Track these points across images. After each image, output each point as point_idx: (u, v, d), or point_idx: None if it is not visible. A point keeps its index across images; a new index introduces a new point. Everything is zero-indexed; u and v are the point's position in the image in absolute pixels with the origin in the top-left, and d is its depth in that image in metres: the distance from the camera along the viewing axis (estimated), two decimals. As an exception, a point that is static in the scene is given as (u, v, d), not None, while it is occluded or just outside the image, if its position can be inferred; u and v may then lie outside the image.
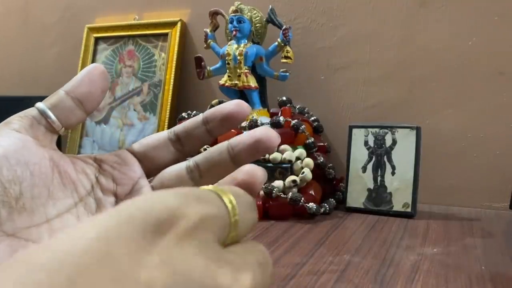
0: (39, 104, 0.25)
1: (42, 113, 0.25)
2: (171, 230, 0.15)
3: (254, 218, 0.20)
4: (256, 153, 0.25)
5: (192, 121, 0.28)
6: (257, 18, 0.78)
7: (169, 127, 0.91)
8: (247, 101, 0.78)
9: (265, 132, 0.25)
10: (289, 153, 0.68)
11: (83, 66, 1.05)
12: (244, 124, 0.72)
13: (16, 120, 0.24)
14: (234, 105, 0.26)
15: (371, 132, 0.71)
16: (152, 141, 0.28)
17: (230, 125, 0.26)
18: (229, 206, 0.18)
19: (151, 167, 0.27)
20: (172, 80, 0.94)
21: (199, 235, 0.16)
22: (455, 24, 0.76)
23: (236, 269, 0.16)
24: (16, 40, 1.19)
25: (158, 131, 0.94)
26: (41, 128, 0.24)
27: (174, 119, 0.91)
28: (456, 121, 0.76)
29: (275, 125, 0.70)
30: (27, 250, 0.14)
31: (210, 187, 0.18)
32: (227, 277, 0.16)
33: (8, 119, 0.24)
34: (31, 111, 0.25)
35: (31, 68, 1.17)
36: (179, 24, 0.96)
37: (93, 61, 1.05)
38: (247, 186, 0.21)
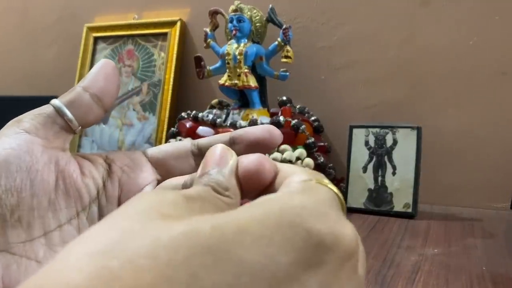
0: (55, 101, 0.23)
1: (58, 110, 0.23)
2: (333, 251, 0.14)
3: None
4: (256, 150, 0.23)
5: (218, 138, 0.25)
6: (257, 18, 0.77)
7: (168, 127, 0.91)
8: (247, 100, 0.78)
9: (268, 130, 0.24)
10: (289, 153, 0.67)
11: (82, 66, 1.05)
12: (244, 124, 0.71)
13: (28, 118, 0.22)
14: (264, 131, 0.23)
15: (372, 132, 0.71)
16: (173, 150, 0.25)
17: (257, 151, 0.22)
18: (342, 198, 0.17)
19: (166, 177, 0.25)
20: (171, 80, 0.94)
21: (354, 261, 0.15)
22: (456, 23, 0.76)
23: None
24: (15, 39, 1.19)
25: (157, 131, 0.94)
26: (55, 128, 0.22)
27: (174, 119, 0.91)
28: (457, 121, 0.76)
29: (275, 125, 0.70)
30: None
31: (315, 179, 0.17)
32: None
33: (21, 116, 0.23)
34: (46, 109, 0.23)
35: (30, 68, 1.16)
36: (178, 24, 0.96)
37: (92, 60, 1.05)
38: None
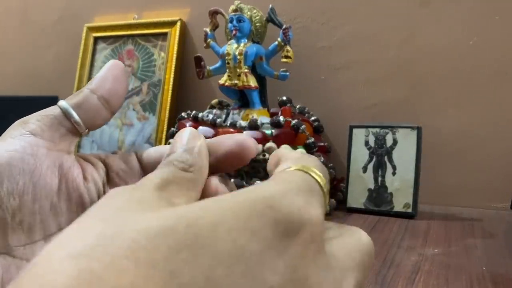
0: (62, 103, 0.23)
1: (65, 112, 0.22)
2: (298, 235, 0.15)
3: (328, 183, 0.20)
4: (227, 164, 0.22)
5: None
6: (257, 18, 0.77)
7: (168, 127, 0.91)
8: (247, 100, 0.78)
9: (241, 143, 0.22)
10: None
11: (82, 66, 1.05)
12: (244, 124, 0.71)
13: (35, 119, 0.22)
14: (237, 144, 0.22)
15: (372, 132, 0.71)
16: (162, 154, 0.24)
17: (228, 164, 0.22)
18: (322, 183, 0.18)
19: None
20: (171, 80, 0.94)
21: (318, 241, 0.16)
22: (456, 23, 0.76)
23: (340, 279, 0.16)
24: (15, 40, 1.19)
25: (157, 131, 0.94)
26: (61, 130, 0.22)
27: (174, 119, 0.91)
28: (457, 121, 0.76)
29: (275, 125, 0.70)
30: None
31: (296, 166, 0.18)
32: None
33: (27, 117, 0.22)
34: (52, 110, 0.23)
35: (30, 68, 1.16)
36: (178, 24, 0.95)
37: (92, 61, 1.05)
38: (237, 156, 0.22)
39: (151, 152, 0.25)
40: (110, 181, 0.24)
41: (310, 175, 0.18)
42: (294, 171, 0.18)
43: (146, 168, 0.24)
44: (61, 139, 0.22)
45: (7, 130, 0.22)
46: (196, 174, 0.19)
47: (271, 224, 0.14)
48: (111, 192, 0.16)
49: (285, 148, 0.22)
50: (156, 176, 0.18)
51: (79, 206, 0.22)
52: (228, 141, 0.22)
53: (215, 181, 0.21)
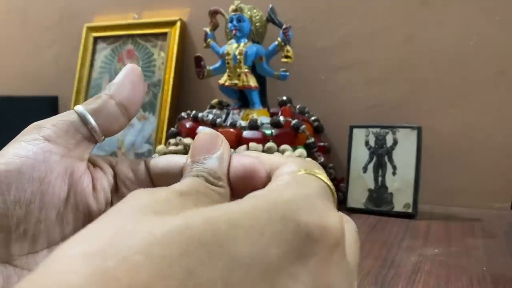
0: (79, 108, 0.22)
1: (82, 118, 0.21)
2: (321, 242, 0.14)
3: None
4: (240, 187, 0.20)
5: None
6: (257, 17, 0.77)
7: (168, 127, 0.91)
8: (247, 100, 0.78)
9: (253, 170, 0.20)
10: (289, 153, 0.67)
11: (82, 66, 1.05)
12: (244, 124, 0.71)
13: (50, 124, 0.21)
14: (243, 169, 0.19)
15: (372, 132, 0.71)
16: (173, 167, 0.22)
17: (240, 189, 0.20)
18: (332, 188, 0.17)
19: None
20: (171, 80, 0.94)
21: (342, 248, 0.15)
22: (456, 23, 0.76)
23: (353, 278, 0.16)
24: (15, 39, 1.19)
25: (157, 131, 0.94)
26: (77, 136, 0.21)
27: (174, 119, 0.91)
28: (458, 121, 0.76)
29: (275, 125, 0.70)
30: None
31: (304, 170, 0.17)
32: None
33: (43, 121, 0.21)
34: (69, 115, 0.22)
35: (30, 68, 1.16)
36: (178, 24, 0.95)
37: (92, 60, 1.05)
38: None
39: (159, 162, 0.23)
40: (118, 189, 0.23)
41: (322, 180, 0.17)
42: (306, 175, 0.17)
43: (155, 178, 0.23)
44: (76, 146, 0.21)
45: (21, 133, 0.21)
46: (225, 187, 0.18)
47: (292, 228, 0.14)
48: (135, 192, 0.15)
49: (261, 163, 0.20)
50: (183, 184, 0.17)
51: (86, 216, 0.21)
52: (236, 164, 0.20)
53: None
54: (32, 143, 0.20)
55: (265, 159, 0.20)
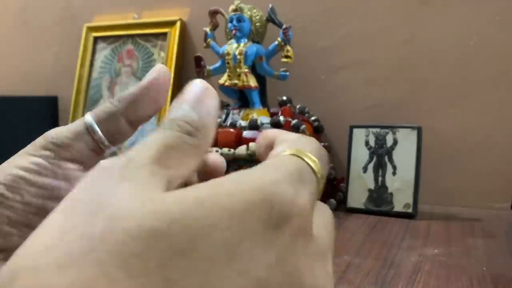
0: (90, 122, 0.21)
1: (93, 134, 0.21)
2: (287, 224, 0.14)
3: (328, 166, 0.19)
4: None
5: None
6: (257, 17, 0.77)
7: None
8: (247, 100, 0.78)
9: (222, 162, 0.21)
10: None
11: (82, 65, 1.05)
12: (244, 124, 0.71)
13: (59, 135, 0.21)
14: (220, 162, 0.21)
15: (372, 132, 0.71)
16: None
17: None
18: (316, 169, 0.17)
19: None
20: (171, 80, 0.93)
21: (308, 229, 0.15)
22: (456, 23, 0.75)
23: (326, 261, 0.16)
24: (15, 39, 1.19)
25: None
26: (89, 153, 0.21)
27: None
28: (458, 121, 0.76)
29: (275, 125, 0.70)
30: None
31: (290, 150, 0.17)
32: (322, 271, 0.16)
33: (52, 132, 0.21)
34: (78, 127, 0.21)
35: (30, 68, 1.16)
36: (178, 23, 0.95)
37: (92, 60, 1.05)
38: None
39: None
40: None
41: (304, 160, 0.17)
42: (288, 156, 0.17)
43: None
44: (88, 161, 0.21)
45: (34, 145, 0.21)
46: (201, 140, 0.17)
47: (264, 218, 0.14)
48: (98, 171, 0.14)
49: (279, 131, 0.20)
50: (156, 143, 0.16)
51: None
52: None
53: (214, 155, 0.20)
54: (50, 162, 0.20)
55: (271, 134, 0.20)
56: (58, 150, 0.21)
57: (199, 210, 0.13)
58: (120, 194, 0.13)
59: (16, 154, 0.20)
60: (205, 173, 0.19)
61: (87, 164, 0.21)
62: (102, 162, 0.15)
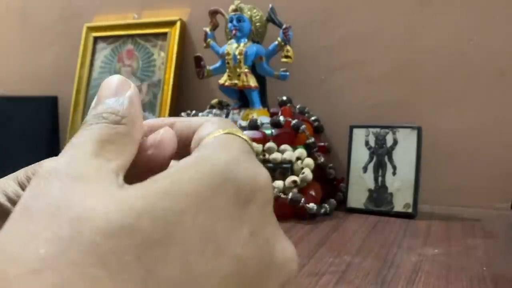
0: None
1: None
2: (254, 199, 0.15)
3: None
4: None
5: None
6: (257, 17, 0.77)
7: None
8: (247, 100, 0.78)
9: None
10: (289, 153, 0.67)
11: (82, 66, 1.05)
12: (244, 124, 0.71)
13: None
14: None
15: (372, 132, 0.71)
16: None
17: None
18: (251, 143, 0.18)
19: None
20: (171, 80, 0.93)
21: (271, 201, 0.16)
22: (455, 23, 0.75)
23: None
24: (15, 39, 1.19)
25: (157, 131, 0.94)
26: None
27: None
28: (458, 121, 0.76)
29: (275, 125, 0.70)
30: None
31: (223, 130, 0.17)
32: (288, 242, 0.16)
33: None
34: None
35: (30, 68, 1.16)
36: (178, 23, 0.95)
37: (92, 60, 1.05)
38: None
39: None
40: None
41: (241, 137, 0.17)
42: (228, 135, 0.17)
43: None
44: None
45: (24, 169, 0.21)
46: (129, 126, 0.17)
47: (232, 196, 0.14)
48: (44, 174, 0.14)
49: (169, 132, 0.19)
50: (90, 138, 0.15)
51: None
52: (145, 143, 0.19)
53: (163, 130, 0.19)
54: None
55: (184, 121, 0.20)
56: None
57: (165, 200, 0.13)
58: (77, 195, 0.13)
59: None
60: (152, 156, 0.18)
61: None
62: (42, 167, 0.14)
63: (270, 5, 0.76)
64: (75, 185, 0.13)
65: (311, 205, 0.65)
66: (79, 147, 0.15)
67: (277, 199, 0.65)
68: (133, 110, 0.17)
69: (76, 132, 0.16)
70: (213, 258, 0.13)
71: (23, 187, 0.20)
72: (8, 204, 0.19)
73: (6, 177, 0.20)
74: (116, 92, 0.18)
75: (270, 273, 0.15)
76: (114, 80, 0.18)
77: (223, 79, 0.78)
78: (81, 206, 0.12)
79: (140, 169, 0.17)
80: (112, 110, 0.17)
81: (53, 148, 1.07)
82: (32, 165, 0.21)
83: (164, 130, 0.19)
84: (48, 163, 0.14)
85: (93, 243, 0.11)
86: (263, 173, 0.16)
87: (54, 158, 0.15)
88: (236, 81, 0.76)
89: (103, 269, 0.11)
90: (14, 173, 0.20)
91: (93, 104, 0.18)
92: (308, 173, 0.66)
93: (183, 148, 0.19)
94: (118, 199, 0.13)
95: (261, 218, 0.15)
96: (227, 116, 0.77)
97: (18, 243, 0.11)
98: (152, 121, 0.20)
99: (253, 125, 0.70)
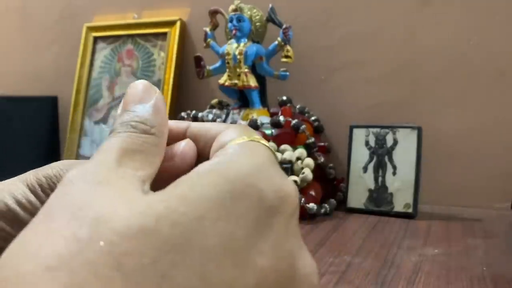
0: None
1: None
2: (278, 209, 0.14)
3: None
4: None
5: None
6: (257, 17, 0.77)
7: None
8: (247, 100, 0.78)
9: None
10: (289, 153, 0.67)
11: (82, 65, 1.05)
12: (244, 124, 0.71)
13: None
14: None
15: (372, 132, 0.71)
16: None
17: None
18: (274, 152, 0.17)
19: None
20: (171, 80, 0.93)
21: (297, 213, 0.15)
22: (456, 23, 0.75)
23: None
24: (15, 39, 1.19)
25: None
26: None
27: (174, 119, 0.90)
28: (458, 121, 0.76)
29: (275, 125, 0.70)
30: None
31: (247, 137, 0.17)
32: (309, 257, 0.16)
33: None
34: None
35: (30, 68, 1.16)
36: (178, 23, 0.95)
37: (92, 60, 1.05)
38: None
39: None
40: None
41: (265, 145, 0.17)
42: (251, 142, 0.17)
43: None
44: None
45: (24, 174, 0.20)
46: (159, 136, 0.17)
47: (256, 204, 0.14)
48: (69, 178, 0.14)
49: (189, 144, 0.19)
50: (115, 147, 0.15)
51: None
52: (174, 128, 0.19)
53: (181, 145, 0.19)
54: None
55: (201, 126, 0.19)
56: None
57: (184, 205, 0.13)
58: (99, 197, 0.13)
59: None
60: (174, 167, 0.18)
61: None
62: (69, 173, 0.14)
63: (270, 5, 0.76)
64: (98, 188, 0.13)
65: (311, 205, 0.65)
66: (105, 154, 0.15)
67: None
68: (160, 118, 0.17)
69: (103, 141, 0.16)
70: (232, 268, 0.13)
71: (32, 189, 0.19)
72: (17, 208, 0.18)
73: (13, 179, 0.20)
74: (142, 98, 0.17)
75: (290, 287, 0.14)
76: (139, 86, 0.18)
77: (223, 79, 0.78)
78: (102, 208, 0.12)
79: (161, 176, 0.17)
80: (140, 118, 0.16)
81: (53, 148, 1.07)
82: (43, 167, 0.20)
83: (186, 142, 0.19)
84: (74, 169, 0.14)
85: (110, 243, 0.11)
86: (289, 184, 0.15)
87: (81, 162, 0.15)
88: (236, 81, 0.76)
89: (117, 270, 0.11)
90: (22, 175, 0.20)
91: (119, 111, 0.17)
92: (308, 173, 0.66)
93: (200, 153, 0.19)
94: (139, 203, 0.13)
95: (285, 229, 0.14)
96: (227, 116, 0.77)
97: (37, 240, 0.12)
98: (178, 122, 0.20)
99: (253, 125, 0.70)
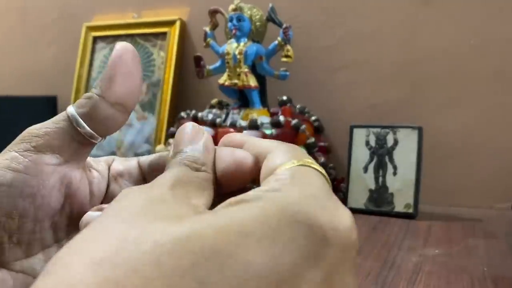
0: (71, 111, 0.20)
1: (76, 124, 0.20)
2: (334, 244, 0.14)
3: None
4: (228, 183, 0.20)
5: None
6: (257, 17, 0.77)
7: (168, 127, 0.91)
8: (246, 100, 0.77)
9: (239, 163, 0.19)
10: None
11: (81, 65, 1.05)
12: (244, 124, 0.71)
13: (43, 133, 0.19)
14: (233, 161, 0.19)
15: (373, 132, 0.71)
16: (163, 163, 0.22)
17: (229, 183, 0.19)
18: (327, 177, 0.17)
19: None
20: (171, 80, 0.93)
21: (352, 253, 0.15)
22: (456, 23, 0.75)
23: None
24: (14, 39, 1.19)
25: (157, 131, 0.94)
26: (73, 145, 0.20)
27: (173, 119, 0.91)
28: (458, 121, 0.76)
29: (275, 124, 0.70)
30: None
31: (296, 161, 0.17)
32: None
33: (36, 129, 0.20)
34: (62, 122, 0.20)
35: (29, 67, 1.16)
36: (178, 23, 0.95)
37: (91, 60, 1.05)
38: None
39: (150, 158, 0.23)
40: (108, 187, 0.22)
41: (317, 170, 0.17)
42: (304, 168, 0.17)
43: (147, 175, 0.23)
44: (72, 154, 0.20)
45: (15, 140, 0.20)
46: (208, 172, 0.18)
47: (305, 232, 0.13)
48: (127, 192, 0.15)
49: (249, 157, 0.19)
50: (168, 178, 0.17)
51: (81, 221, 0.21)
52: (227, 158, 0.19)
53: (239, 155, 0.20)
54: (24, 154, 0.19)
55: (250, 146, 0.20)
56: (36, 140, 0.19)
57: (231, 218, 0.13)
58: (151, 208, 0.14)
59: (2, 152, 0.20)
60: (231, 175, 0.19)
61: (68, 157, 0.20)
62: (125, 189, 0.16)
63: (270, 5, 0.76)
64: (151, 202, 0.14)
65: (311, 205, 0.65)
66: (159, 181, 0.17)
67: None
68: (210, 156, 0.19)
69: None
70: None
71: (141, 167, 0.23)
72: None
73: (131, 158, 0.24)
74: (192, 140, 0.19)
75: None
76: (189, 128, 0.20)
77: (223, 79, 0.78)
78: (153, 216, 0.13)
79: (219, 190, 0.19)
80: (192, 158, 0.18)
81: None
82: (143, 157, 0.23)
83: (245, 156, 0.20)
84: (128, 189, 0.16)
85: (154, 242, 0.12)
86: (346, 215, 0.15)
87: (137, 186, 0.16)
88: (236, 81, 0.76)
89: (157, 269, 0.11)
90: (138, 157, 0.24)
91: (171, 152, 0.19)
92: (308, 173, 0.66)
93: (251, 175, 0.19)
94: (187, 214, 0.14)
95: (340, 263, 0.14)
96: (227, 116, 0.77)
97: (89, 237, 0.13)
98: (226, 149, 0.20)
99: (253, 125, 0.70)
